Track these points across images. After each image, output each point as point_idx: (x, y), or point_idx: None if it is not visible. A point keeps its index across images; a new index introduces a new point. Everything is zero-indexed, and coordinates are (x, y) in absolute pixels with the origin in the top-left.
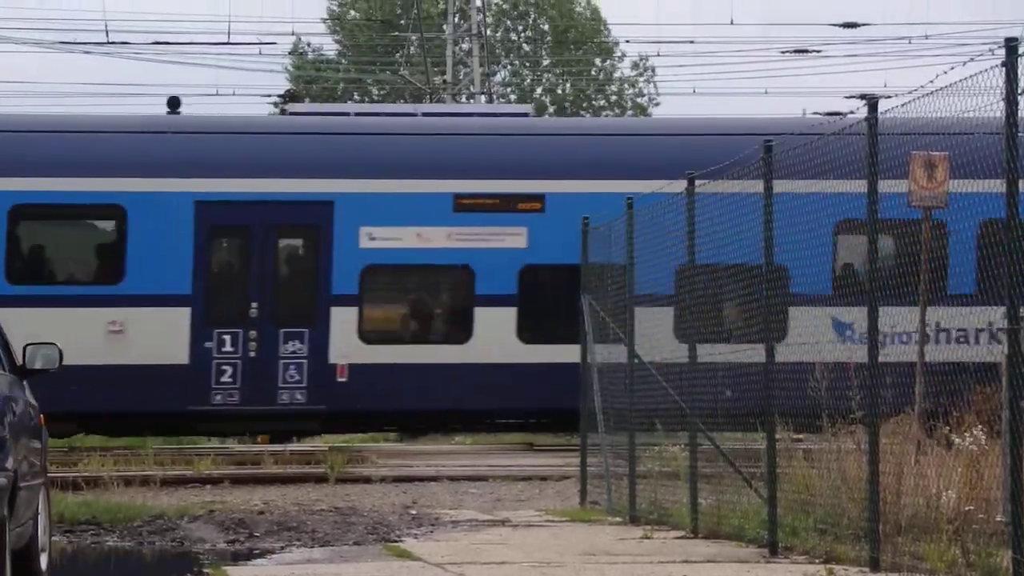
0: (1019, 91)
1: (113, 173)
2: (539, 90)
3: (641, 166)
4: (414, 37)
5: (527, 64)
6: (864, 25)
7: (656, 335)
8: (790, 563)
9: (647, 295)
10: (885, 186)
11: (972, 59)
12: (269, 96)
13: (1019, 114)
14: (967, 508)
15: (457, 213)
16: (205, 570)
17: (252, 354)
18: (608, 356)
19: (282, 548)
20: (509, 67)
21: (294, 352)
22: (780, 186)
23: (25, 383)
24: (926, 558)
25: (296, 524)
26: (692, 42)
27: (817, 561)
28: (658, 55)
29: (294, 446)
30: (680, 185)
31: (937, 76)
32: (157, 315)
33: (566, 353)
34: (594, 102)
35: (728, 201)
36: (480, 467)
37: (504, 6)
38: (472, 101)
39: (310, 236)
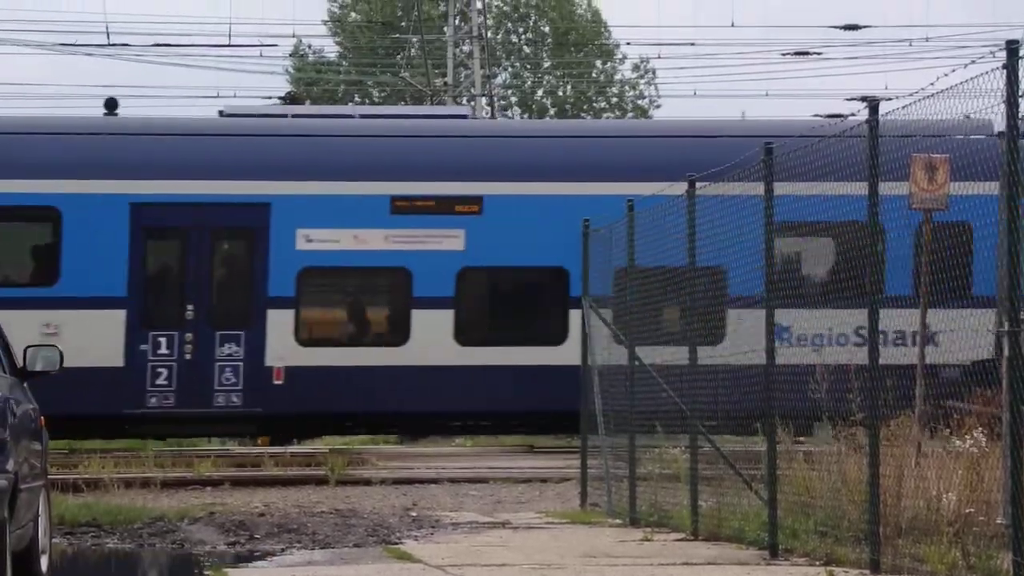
0: (1020, 93)
1: (48, 175)
2: (540, 92)
3: (581, 168)
4: (415, 39)
5: (528, 66)
6: (865, 27)
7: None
8: (790, 565)
9: (600, 296)
10: (824, 188)
11: (973, 61)
12: (270, 98)
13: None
14: (967, 510)
15: (394, 215)
16: (205, 572)
17: (188, 356)
18: (609, 358)
19: (283, 550)
20: (510, 69)
21: (230, 355)
22: (718, 189)
23: (25, 385)
24: (926, 560)
25: (296, 526)
26: (693, 44)
27: (818, 563)
28: (659, 57)
29: (294, 448)
30: (624, 188)
31: (938, 78)
32: (92, 317)
33: (505, 356)
34: (595, 104)
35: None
36: (480, 469)
37: (505, 8)
38: (473, 103)
39: (246, 238)
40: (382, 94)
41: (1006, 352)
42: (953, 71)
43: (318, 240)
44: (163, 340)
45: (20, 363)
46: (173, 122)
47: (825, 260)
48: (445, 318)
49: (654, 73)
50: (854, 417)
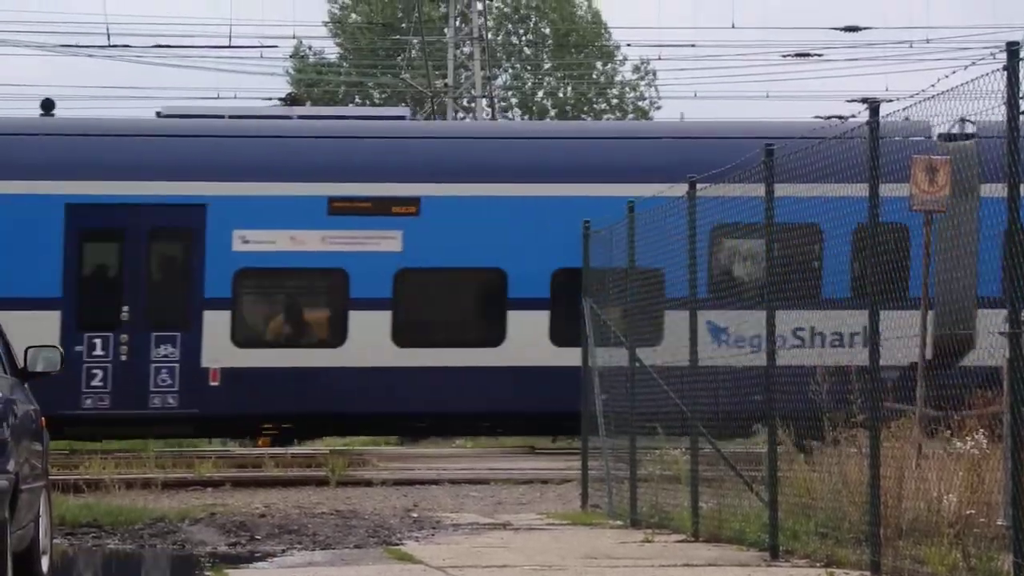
0: (1020, 95)
1: None
2: (540, 94)
3: (519, 170)
4: (415, 40)
5: (528, 68)
6: (865, 29)
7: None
8: (791, 567)
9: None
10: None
11: (973, 63)
12: (270, 99)
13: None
14: (968, 512)
15: (331, 216)
16: (206, 573)
17: (123, 358)
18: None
19: (283, 551)
20: (510, 71)
21: (166, 356)
22: (644, 190)
23: (26, 386)
24: (927, 562)
25: (297, 527)
26: (693, 46)
27: (818, 565)
28: (659, 59)
29: (295, 449)
30: (564, 189)
31: (938, 80)
32: (26, 318)
33: (442, 357)
34: (595, 105)
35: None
36: (481, 470)
37: (505, 10)
38: (473, 104)
39: (183, 239)
40: (382, 95)
41: (1007, 354)
42: (954, 73)
43: (255, 241)
44: (98, 341)
45: (21, 364)
46: (110, 123)
47: (763, 262)
48: (382, 319)
49: (654, 74)
50: (855, 419)
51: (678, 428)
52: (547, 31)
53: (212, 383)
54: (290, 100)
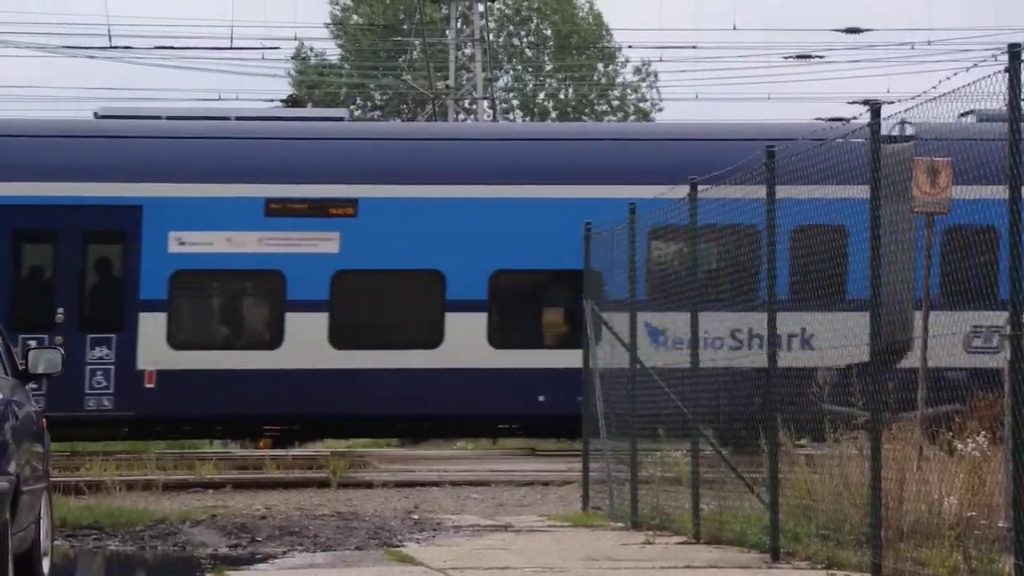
0: (1022, 97)
1: None
2: (542, 95)
3: (458, 171)
4: (417, 42)
5: (530, 69)
6: (867, 30)
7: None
8: (792, 568)
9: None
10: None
11: (975, 65)
12: (272, 101)
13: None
14: (969, 514)
15: (269, 218)
16: (207, 575)
17: None
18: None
19: (284, 553)
20: (512, 72)
21: (101, 358)
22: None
23: (27, 387)
24: (928, 564)
25: (298, 529)
26: (695, 47)
27: (819, 567)
28: (660, 60)
29: (296, 451)
30: (502, 191)
31: (940, 82)
32: None
33: (380, 359)
34: (596, 107)
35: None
36: (482, 472)
37: (507, 11)
38: (475, 106)
39: (119, 241)
40: (384, 97)
41: (1008, 356)
42: (955, 75)
43: (191, 243)
44: (33, 343)
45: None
46: (46, 124)
47: (706, 264)
48: (319, 321)
49: (656, 76)
50: (856, 421)
51: (679, 430)
52: (548, 33)
53: (148, 385)
54: (292, 101)
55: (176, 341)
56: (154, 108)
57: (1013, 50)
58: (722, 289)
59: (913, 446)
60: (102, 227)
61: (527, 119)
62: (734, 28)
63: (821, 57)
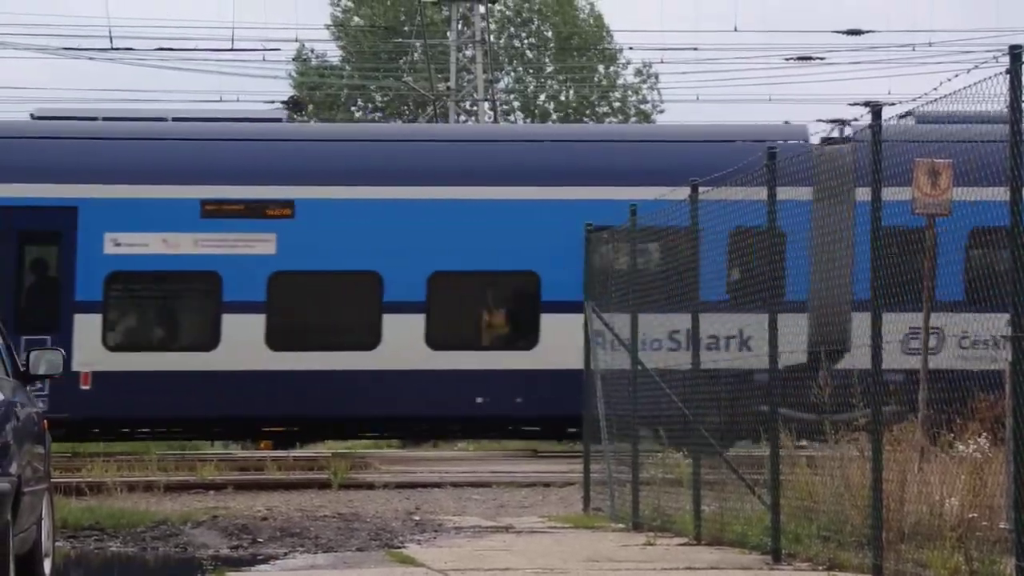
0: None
1: None
2: (542, 97)
3: (395, 172)
4: (418, 44)
5: (530, 71)
6: (868, 32)
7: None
8: (793, 570)
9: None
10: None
11: (976, 66)
12: (272, 102)
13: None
14: (970, 515)
15: (204, 219)
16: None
17: None
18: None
19: (285, 554)
20: (512, 74)
21: None
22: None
23: (28, 388)
24: (929, 565)
25: (299, 530)
26: (696, 49)
27: (820, 568)
28: (661, 62)
29: (297, 452)
30: (443, 192)
31: (941, 84)
32: None
33: (317, 360)
34: (597, 109)
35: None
36: (483, 473)
37: (508, 13)
38: (476, 108)
39: (53, 242)
40: (385, 98)
41: (1009, 357)
42: (956, 76)
43: (126, 244)
44: None
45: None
46: None
47: (650, 266)
48: (256, 322)
49: (657, 78)
50: (856, 422)
51: (680, 431)
52: (549, 34)
53: (83, 387)
54: (292, 103)
55: (112, 343)
56: (93, 109)
57: (1014, 52)
58: (664, 291)
59: (914, 447)
60: (37, 228)
61: (528, 121)
62: (735, 29)
63: (822, 59)
